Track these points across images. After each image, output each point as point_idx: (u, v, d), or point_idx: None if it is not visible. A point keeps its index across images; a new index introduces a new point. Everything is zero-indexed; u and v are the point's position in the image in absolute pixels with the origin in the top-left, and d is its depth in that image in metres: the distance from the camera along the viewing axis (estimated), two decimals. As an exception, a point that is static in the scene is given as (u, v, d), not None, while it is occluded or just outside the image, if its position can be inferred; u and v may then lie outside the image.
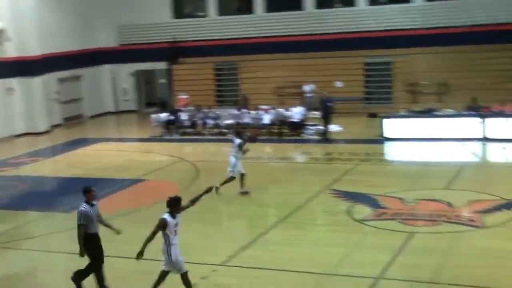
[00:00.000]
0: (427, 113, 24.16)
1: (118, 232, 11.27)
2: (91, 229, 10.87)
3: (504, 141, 21.76)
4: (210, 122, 27.50)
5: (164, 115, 28.22)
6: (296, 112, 26.03)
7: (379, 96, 30.28)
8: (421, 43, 29.03)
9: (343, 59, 30.41)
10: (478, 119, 22.51)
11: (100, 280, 10.95)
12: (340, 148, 22.88)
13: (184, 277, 10.20)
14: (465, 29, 28.33)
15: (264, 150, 23.84)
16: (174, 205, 10.18)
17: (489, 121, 22.42)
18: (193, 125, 27.83)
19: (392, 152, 23.10)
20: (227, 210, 16.37)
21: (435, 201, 15.51)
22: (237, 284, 10.27)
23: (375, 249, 12.68)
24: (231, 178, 16.93)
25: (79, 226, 10.81)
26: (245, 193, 16.91)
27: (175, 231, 10.12)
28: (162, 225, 10.02)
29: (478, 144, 22.04)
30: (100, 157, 24.20)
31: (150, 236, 9.99)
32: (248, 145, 17.42)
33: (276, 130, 26.03)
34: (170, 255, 10.04)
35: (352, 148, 22.70)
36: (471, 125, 22.57)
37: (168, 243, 10.05)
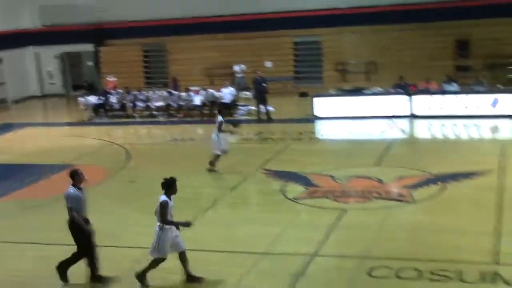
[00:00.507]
0: (356, 91, 24.55)
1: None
2: (80, 214, 10.31)
3: (430, 117, 22.30)
4: (140, 104, 27.10)
5: (92, 98, 27.64)
6: (226, 93, 25.93)
7: (309, 75, 30.53)
8: (349, 22, 29.34)
9: (272, 39, 30.45)
10: (405, 97, 22.98)
11: (94, 269, 10.48)
12: (272, 128, 22.97)
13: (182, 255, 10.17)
14: (392, 7, 28.74)
15: (196, 131, 23.70)
16: (170, 186, 10.01)
17: (416, 98, 22.92)
18: (123, 107, 27.38)
19: (323, 130, 23.34)
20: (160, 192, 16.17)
21: (366, 178, 15.76)
22: (174, 266, 10.18)
23: (309, 227, 12.81)
24: (217, 156, 16.96)
25: (70, 209, 10.18)
26: (212, 170, 16.97)
27: (171, 214, 9.98)
28: (166, 207, 9.81)
29: (406, 121, 22.52)
30: (27, 142, 23.51)
31: (171, 221, 9.90)
32: (230, 126, 17.47)
33: (207, 111, 25.89)
34: (160, 241, 9.89)
35: (283, 127, 22.81)
36: (399, 103, 23.03)
37: (162, 227, 9.88)
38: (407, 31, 28.27)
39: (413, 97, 22.95)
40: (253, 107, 25.30)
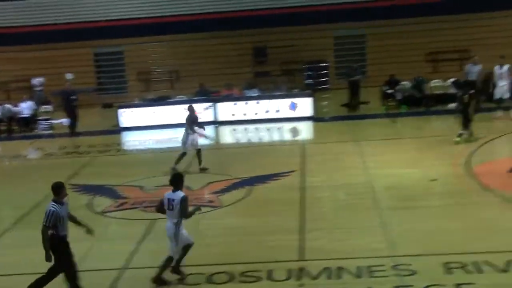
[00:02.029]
0: (160, 100, 24.52)
1: (90, 231, 10.02)
2: (60, 231, 9.48)
3: (234, 123, 22.86)
4: None
5: None
6: (25, 107, 24.70)
7: (113, 86, 30.00)
8: (152, 32, 29.26)
9: (71, 50, 29.51)
10: (208, 104, 23.35)
11: None
12: (77, 141, 22.24)
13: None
14: (193, 17, 29.06)
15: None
16: (180, 182, 10.36)
17: (220, 105, 23.38)
18: None
19: (130, 141, 23.03)
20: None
21: (175, 186, 15.73)
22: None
23: (119, 240, 12.54)
24: (182, 154, 16.82)
25: (45, 227, 9.36)
26: (203, 169, 16.78)
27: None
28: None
29: (211, 127, 22.88)
30: None
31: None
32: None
33: (4, 127, 24.44)
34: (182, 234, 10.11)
35: (89, 140, 22.19)
36: (202, 110, 23.35)
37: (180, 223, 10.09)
38: (208, 39, 28.79)
39: (217, 104, 23.39)
40: (56, 121, 24.38)
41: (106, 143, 21.48)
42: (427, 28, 27.78)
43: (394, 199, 14.18)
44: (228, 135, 22.69)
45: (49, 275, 9.83)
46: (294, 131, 22.19)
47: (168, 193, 10.27)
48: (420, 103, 23.57)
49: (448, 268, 10.14)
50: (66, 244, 9.73)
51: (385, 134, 20.65)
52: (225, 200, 14.53)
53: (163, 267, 10.29)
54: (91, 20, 29.98)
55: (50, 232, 9.53)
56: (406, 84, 24.12)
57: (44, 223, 9.51)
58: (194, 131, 17.11)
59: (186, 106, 17.82)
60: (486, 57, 24.54)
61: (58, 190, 9.74)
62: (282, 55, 27.95)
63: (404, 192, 14.44)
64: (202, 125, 17.58)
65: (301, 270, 10.38)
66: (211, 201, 14.59)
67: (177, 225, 10.14)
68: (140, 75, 29.27)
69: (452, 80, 23.96)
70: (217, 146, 21.76)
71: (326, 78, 28.33)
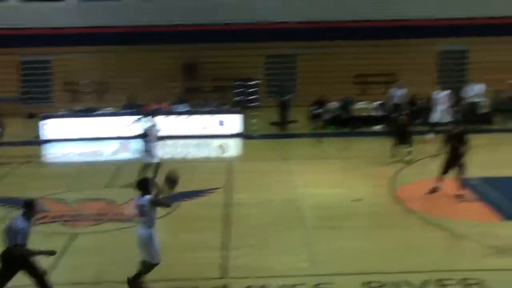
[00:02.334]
0: (87, 112, 24.04)
1: (51, 253, 9.60)
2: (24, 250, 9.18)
3: (162, 138, 22.53)
4: None
5: None
6: None
7: (38, 95, 29.21)
8: (81, 42, 28.68)
9: (-4, 57, 28.65)
10: (137, 117, 22.99)
11: None
12: (-4, 151, 21.52)
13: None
14: (123, 29, 28.70)
15: None
16: (148, 185, 10.16)
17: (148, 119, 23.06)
18: None
19: (54, 152, 22.42)
20: None
21: (98, 200, 15.45)
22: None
23: (37, 255, 12.10)
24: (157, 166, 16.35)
25: (15, 247, 8.95)
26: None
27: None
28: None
29: (138, 142, 22.53)
30: None
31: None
32: None
33: None
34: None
35: (10, 151, 21.47)
36: (131, 123, 22.99)
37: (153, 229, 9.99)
38: (139, 52, 28.45)
39: (146, 117, 23.04)
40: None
41: (27, 154, 20.85)
42: (356, 51, 28.32)
43: (319, 218, 14.29)
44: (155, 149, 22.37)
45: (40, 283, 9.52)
46: (222, 148, 22.13)
47: (137, 199, 10.11)
48: (347, 124, 23.95)
49: (368, 287, 10.26)
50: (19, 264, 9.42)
51: (312, 154, 20.85)
52: (150, 215, 14.26)
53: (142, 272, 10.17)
54: (19, 27, 29.16)
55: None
56: (334, 105, 24.48)
57: (14, 243, 9.13)
58: (154, 142, 16.83)
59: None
60: (411, 81, 25.26)
61: (29, 206, 9.41)
62: (213, 71, 27.90)
63: (329, 212, 14.58)
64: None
65: (225, 287, 10.30)
66: (134, 216, 14.28)
67: (151, 231, 10.04)
68: (67, 86, 28.62)
69: (378, 102, 24.50)
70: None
71: (257, 96, 28.45)
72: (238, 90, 28.08)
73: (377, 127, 23.74)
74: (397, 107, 22.44)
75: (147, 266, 10.14)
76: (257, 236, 12.87)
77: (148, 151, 16.62)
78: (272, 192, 16.17)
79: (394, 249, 12.32)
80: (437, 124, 21.69)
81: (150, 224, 10.08)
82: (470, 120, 21.25)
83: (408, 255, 11.86)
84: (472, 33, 28.24)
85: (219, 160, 20.86)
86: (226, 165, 19.10)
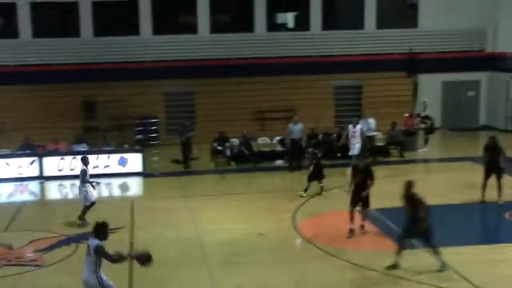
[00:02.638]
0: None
1: None
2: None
3: (61, 178, 22.05)
4: None
5: None
6: None
7: None
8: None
9: None
10: (32, 158, 22.41)
11: None
12: None
13: None
14: (19, 68, 28.01)
15: None
16: (100, 230, 10.22)
17: (46, 159, 22.50)
18: None
19: None
20: None
21: (-5, 245, 14.84)
22: None
23: None
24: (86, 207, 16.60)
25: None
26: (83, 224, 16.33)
27: None
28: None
29: (37, 183, 21.94)
30: None
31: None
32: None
33: None
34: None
35: None
36: (27, 165, 22.37)
37: (100, 268, 9.98)
38: (35, 91, 27.74)
39: (43, 158, 22.51)
40: None
41: None
42: (255, 88, 28.81)
43: (223, 254, 14.35)
44: (54, 191, 21.83)
45: None
46: (124, 187, 21.87)
47: (91, 239, 10.27)
48: (248, 159, 24.24)
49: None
50: None
51: (215, 190, 20.92)
52: (49, 258, 13.89)
53: None
54: None
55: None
56: (235, 141, 24.75)
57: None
58: (88, 183, 16.63)
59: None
60: (310, 116, 25.96)
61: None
62: (112, 109, 27.54)
63: (232, 247, 14.67)
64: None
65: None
66: (33, 260, 13.90)
67: (96, 272, 10.02)
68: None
69: (278, 138, 24.98)
70: (42, 202, 20.87)
71: (157, 134, 28.30)
72: (138, 128, 27.89)
73: (279, 162, 24.18)
74: (296, 142, 22.96)
75: None
76: (160, 275, 12.73)
77: (86, 191, 16.72)
78: (175, 230, 16.10)
79: (296, 282, 12.54)
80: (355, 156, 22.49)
81: (94, 265, 10.03)
82: (369, 153, 22.12)
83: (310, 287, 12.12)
84: (364, 68, 29.47)
85: (121, 200, 20.60)
86: (128, 204, 18.86)
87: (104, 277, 10.12)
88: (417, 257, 13.28)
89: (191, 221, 16.85)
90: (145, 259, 10.06)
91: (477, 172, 18.93)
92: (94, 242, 10.12)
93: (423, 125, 26.83)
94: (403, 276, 12.56)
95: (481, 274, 12.62)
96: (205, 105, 28.75)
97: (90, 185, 16.77)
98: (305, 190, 19.11)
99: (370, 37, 30.61)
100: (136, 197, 21.03)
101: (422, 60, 29.83)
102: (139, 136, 27.59)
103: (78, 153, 22.73)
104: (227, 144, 24.45)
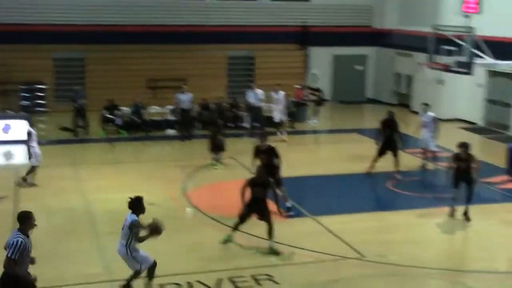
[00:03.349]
0: None
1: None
2: (22, 269, 8.35)
3: None
4: None
5: None
6: None
7: None
8: None
9: None
10: None
11: None
12: None
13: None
14: None
15: None
16: (137, 205, 10.50)
17: None
18: None
19: None
20: None
21: None
22: None
23: None
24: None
25: (10, 260, 8.19)
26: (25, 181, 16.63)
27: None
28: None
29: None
30: None
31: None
32: None
33: None
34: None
35: None
36: None
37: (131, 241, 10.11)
38: None
39: None
40: None
41: None
42: (147, 56, 28.34)
43: (111, 223, 14.11)
44: None
45: None
46: (8, 155, 21.03)
47: (129, 214, 10.40)
48: (139, 128, 23.92)
49: (163, 290, 10.42)
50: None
51: (104, 159, 20.54)
52: None
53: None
54: None
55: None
56: (126, 109, 24.31)
57: (11, 256, 8.29)
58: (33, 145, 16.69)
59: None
60: (202, 86, 25.89)
61: (25, 220, 8.61)
62: (-3, 74, 26.35)
63: (121, 217, 14.32)
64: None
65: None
66: None
67: (127, 247, 10.14)
68: None
69: (170, 107, 24.74)
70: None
71: (44, 101, 27.32)
72: (24, 94, 26.81)
73: (170, 131, 24.00)
74: (186, 112, 22.89)
75: (134, 274, 10.34)
76: (46, 246, 12.36)
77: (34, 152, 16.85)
78: (62, 199, 15.73)
79: (187, 250, 12.60)
80: (280, 123, 23.09)
81: (125, 240, 10.23)
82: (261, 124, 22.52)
83: (197, 256, 12.27)
84: (257, 40, 29.65)
85: (4, 168, 19.83)
86: (12, 173, 18.17)
87: (135, 248, 10.26)
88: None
89: (79, 190, 16.50)
90: (155, 229, 10.29)
91: (364, 143, 19.62)
92: (131, 217, 10.33)
93: (313, 97, 27.41)
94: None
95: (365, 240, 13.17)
96: (96, 71, 28.01)
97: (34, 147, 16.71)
98: (216, 162, 19.22)
99: (265, 9, 30.83)
100: (20, 165, 20.26)
101: (314, 33, 30.36)
102: (25, 102, 26.56)
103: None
104: (118, 112, 24.00)
